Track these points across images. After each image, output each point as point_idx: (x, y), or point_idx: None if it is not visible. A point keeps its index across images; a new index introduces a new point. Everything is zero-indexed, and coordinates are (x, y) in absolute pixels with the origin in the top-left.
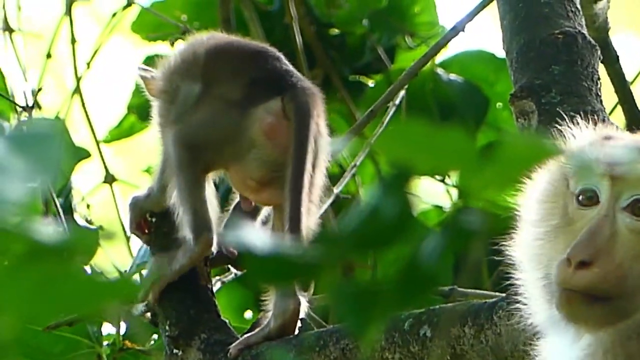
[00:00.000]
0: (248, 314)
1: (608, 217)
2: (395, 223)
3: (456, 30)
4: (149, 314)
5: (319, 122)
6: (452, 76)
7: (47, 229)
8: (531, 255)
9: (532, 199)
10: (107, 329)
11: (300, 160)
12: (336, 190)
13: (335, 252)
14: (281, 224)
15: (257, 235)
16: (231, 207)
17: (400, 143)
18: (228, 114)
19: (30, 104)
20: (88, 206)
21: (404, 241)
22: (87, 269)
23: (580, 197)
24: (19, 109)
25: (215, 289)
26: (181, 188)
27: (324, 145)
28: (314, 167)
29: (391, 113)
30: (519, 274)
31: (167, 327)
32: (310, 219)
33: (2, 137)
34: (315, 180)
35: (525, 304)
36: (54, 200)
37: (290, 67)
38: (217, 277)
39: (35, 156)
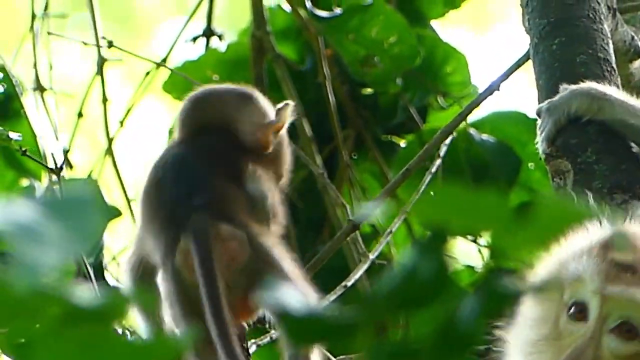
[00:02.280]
0: None
1: (593, 340)
2: (431, 284)
3: (491, 89)
4: None
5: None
6: (485, 136)
7: (81, 291)
8: (520, 356)
9: (532, 295)
10: None
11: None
12: (372, 256)
13: (371, 312)
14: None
15: (293, 296)
16: None
17: (435, 207)
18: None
19: (61, 164)
20: (119, 265)
21: (439, 302)
22: (120, 329)
23: (571, 310)
24: (50, 169)
25: (251, 350)
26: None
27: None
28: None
29: (428, 179)
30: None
31: None
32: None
33: (39, 201)
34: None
35: None
36: (84, 261)
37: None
38: (253, 340)
39: (71, 222)
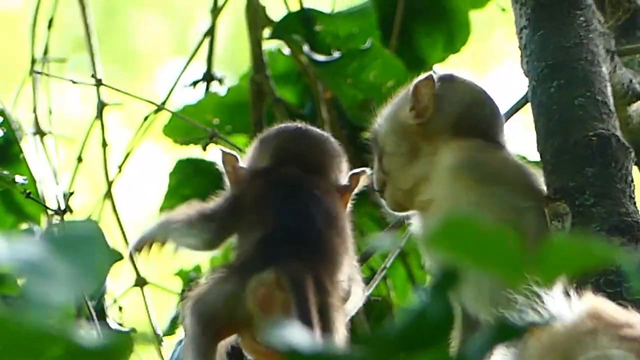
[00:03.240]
0: None
1: None
2: (443, 323)
3: None
4: None
5: (323, 293)
6: None
7: (83, 332)
8: None
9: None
10: None
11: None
12: (366, 292)
13: (381, 352)
14: None
15: (302, 335)
16: None
17: (449, 242)
18: (228, 283)
19: (64, 207)
20: (120, 309)
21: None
22: None
23: None
24: (50, 213)
25: None
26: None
27: (337, 316)
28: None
29: None
30: None
31: None
32: None
33: (45, 239)
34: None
35: None
36: (87, 303)
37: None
38: None
39: (78, 259)
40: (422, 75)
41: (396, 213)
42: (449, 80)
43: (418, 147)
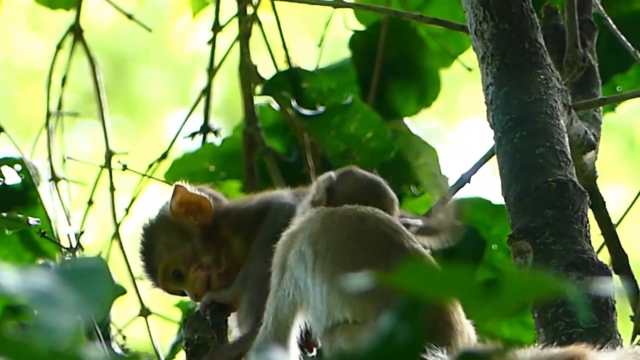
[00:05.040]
0: None
1: None
2: (408, 347)
3: (463, 180)
4: None
5: None
6: None
7: (91, 353)
8: None
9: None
10: None
11: None
12: None
13: None
14: None
15: (283, 357)
16: None
17: (410, 278)
18: None
19: (74, 245)
20: (124, 337)
21: None
22: None
23: None
24: (64, 250)
25: None
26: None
27: None
28: None
29: None
30: None
31: None
32: None
33: (56, 271)
34: None
35: None
36: (96, 329)
37: None
38: None
39: (84, 289)
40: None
41: None
42: (344, 174)
43: None
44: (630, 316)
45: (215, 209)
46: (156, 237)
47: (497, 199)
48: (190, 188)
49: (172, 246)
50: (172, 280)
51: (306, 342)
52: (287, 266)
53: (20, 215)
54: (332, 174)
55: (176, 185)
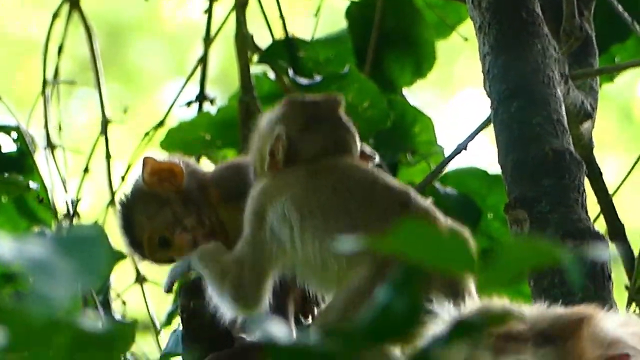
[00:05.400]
0: None
1: None
2: (406, 316)
3: (459, 149)
4: None
5: None
6: (449, 189)
7: (88, 322)
8: None
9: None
10: None
11: None
12: None
13: (351, 343)
14: None
15: (279, 327)
16: None
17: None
18: None
19: (73, 212)
20: (123, 303)
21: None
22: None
23: None
24: (60, 217)
25: None
26: None
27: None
28: None
29: None
30: None
31: None
32: None
33: (53, 239)
34: None
35: None
36: (94, 297)
37: None
38: None
39: (82, 258)
40: None
41: None
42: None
43: None
44: (626, 285)
45: (188, 172)
46: (135, 209)
47: (493, 168)
48: (159, 157)
49: (152, 214)
50: (159, 248)
51: (302, 309)
52: (266, 221)
53: (20, 178)
54: (280, 132)
55: (144, 158)
